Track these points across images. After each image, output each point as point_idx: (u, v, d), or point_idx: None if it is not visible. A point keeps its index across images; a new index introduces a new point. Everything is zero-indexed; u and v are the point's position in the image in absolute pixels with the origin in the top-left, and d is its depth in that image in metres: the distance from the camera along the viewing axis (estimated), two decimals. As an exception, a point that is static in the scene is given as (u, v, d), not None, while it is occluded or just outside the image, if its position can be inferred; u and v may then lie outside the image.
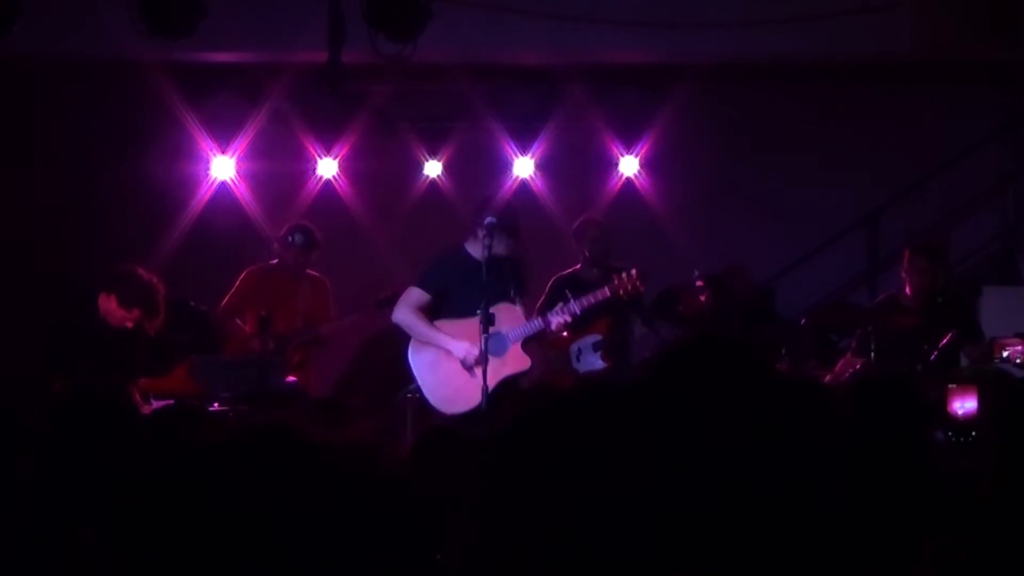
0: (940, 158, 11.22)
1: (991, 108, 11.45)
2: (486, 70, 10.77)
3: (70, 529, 2.85)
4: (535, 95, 11.07)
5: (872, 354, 8.72)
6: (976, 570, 2.53)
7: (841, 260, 11.40)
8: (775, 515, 2.04)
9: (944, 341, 8.62)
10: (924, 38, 9.23)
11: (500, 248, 8.04)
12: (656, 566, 1.69)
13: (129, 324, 8.28)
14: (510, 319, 8.04)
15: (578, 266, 9.51)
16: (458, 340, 8.13)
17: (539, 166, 11.17)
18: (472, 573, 1.65)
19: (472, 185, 10.99)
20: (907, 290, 9.05)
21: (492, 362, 7.91)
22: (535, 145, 11.13)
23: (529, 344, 8.10)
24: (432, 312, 8.34)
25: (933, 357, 8.56)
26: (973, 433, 6.71)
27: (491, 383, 7.93)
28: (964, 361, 8.97)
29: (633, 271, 8.14)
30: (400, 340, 8.52)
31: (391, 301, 8.90)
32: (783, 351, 9.24)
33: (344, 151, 11.11)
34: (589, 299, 8.04)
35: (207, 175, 11.09)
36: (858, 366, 8.73)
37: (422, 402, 8.55)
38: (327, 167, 11.17)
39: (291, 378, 8.91)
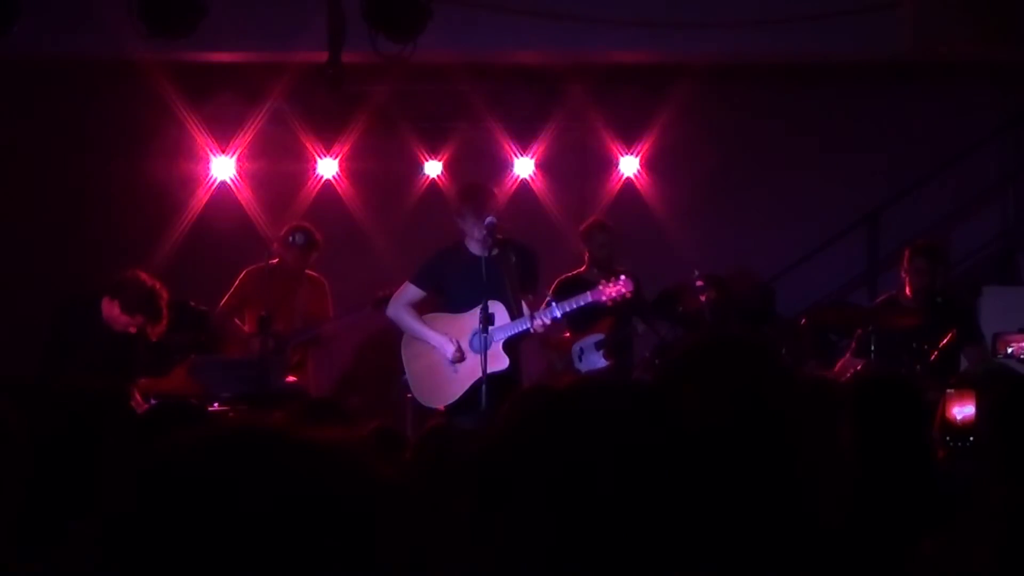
0: (940, 158, 11.22)
1: (991, 108, 11.45)
2: (486, 70, 10.77)
3: (62, 522, 2.85)
4: (535, 95, 11.08)
5: (872, 354, 8.72)
6: (974, 568, 2.53)
7: (841, 260, 11.40)
8: (775, 514, 2.04)
9: (944, 341, 8.62)
10: (924, 38, 9.22)
11: (475, 233, 8.03)
12: (657, 568, 1.69)
13: (132, 330, 8.28)
14: (498, 318, 8.01)
15: (583, 268, 9.50)
16: (441, 334, 8.15)
17: (539, 166, 11.18)
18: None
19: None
20: (907, 290, 9.05)
21: (475, 360, 7.93)
22: (535, 145, 11.14)
23: (512, 344, 8.03)
24: (433, 307, 8.36)
25: (933, 357, 8.56)
26: (971, 438, 6.70)
27: (470, 382, 7.97)
28: (964, 362, 8.97)
29: (622, 277, 8.08)
30: (398, 341, 8.52)
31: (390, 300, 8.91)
32: (783, 351, 9.24)
33: (344, 151, 11.12)
34: (572, 304, 7.98)
35: (207, 175, 11.10)
36: (859, 367, 8.72)
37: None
38: (327, 167, 11.18)
39: (291, 378, 8.92)
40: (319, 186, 11.20)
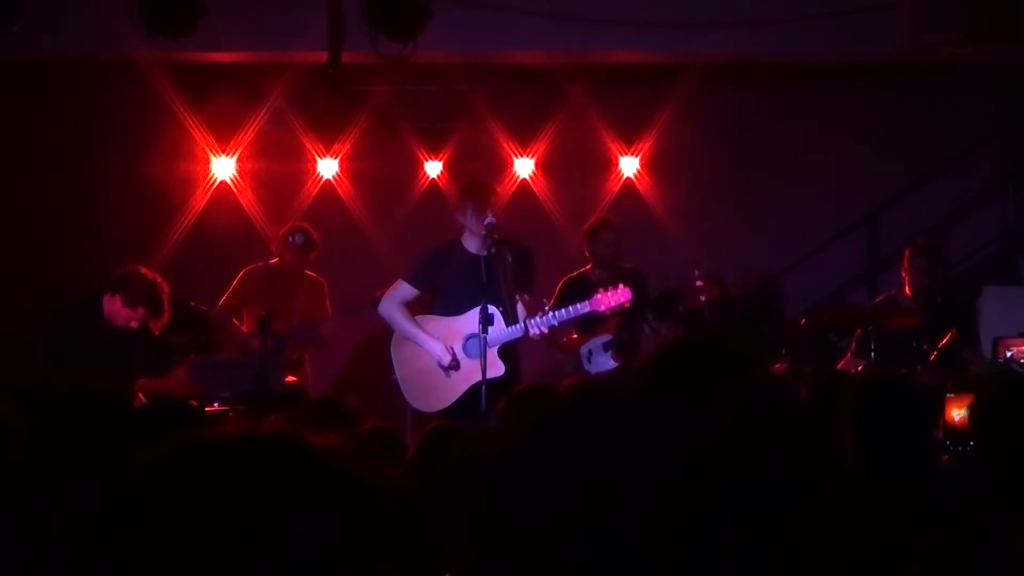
0: (940, 158, 11.22)
1: (991, 108, 11.45)
2: (486, 70, 10.77)
3: (62, 527, 2.85)
4: (535, 95, 11.08)
5: (872, 354, 8.71)
6: (970, 563, 2.53)
7: (841, 260, 11.40)
8: (773, 515, 2.04)
9: (944, 341, 8.62)
10: (924, 38, 9.22)
11: (474, 230, 7.98)
12: (657, 569, 1.68)
13: (134, 324, 8.27)
14: (493, 323, 7.93)
15: (588, 267, 9.46)
16: (436, 340, 8.06)
17: (539, 166, 11.18)
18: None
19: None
20: (907, 290, 9.05)
21: (469, 365, 7.89)
22: (535, 145, 11.14)
23: (508, 350, 7.99)
24: (426, 306, 8.30)
25: (933, 357, 8.56)
26: (971, 442, 6.70)
27: (464, 387, 7.92)
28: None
29: (620, 286, 8.01)
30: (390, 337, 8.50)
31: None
32: (783, 351, 9.24)
33: (344, 151, 11.12)
34: (569, 312, 7.92)
35: (207, 175, 11.10)
36: (859, 367, 8.72)
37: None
38: (327, 167, 11.18)
39: (290, 378, 8.92)
40: (319, 186, 11.21)
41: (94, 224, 11.00)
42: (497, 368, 7.78)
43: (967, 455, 6.68)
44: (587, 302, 7.92)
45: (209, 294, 9.37)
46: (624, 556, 1.60)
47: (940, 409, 7.22)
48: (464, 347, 7.99)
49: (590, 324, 8.86)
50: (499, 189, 8.78)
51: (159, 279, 8.36)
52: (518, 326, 7.79)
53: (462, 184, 8.69)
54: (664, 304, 9.37)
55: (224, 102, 10.83)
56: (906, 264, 9.06)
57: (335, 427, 4.47)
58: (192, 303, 9.14)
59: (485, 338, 7.68)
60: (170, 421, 4.26)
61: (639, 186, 11.29)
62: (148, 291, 8.25)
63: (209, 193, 11.12)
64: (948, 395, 7.30)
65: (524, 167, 11.13)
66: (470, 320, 7.83)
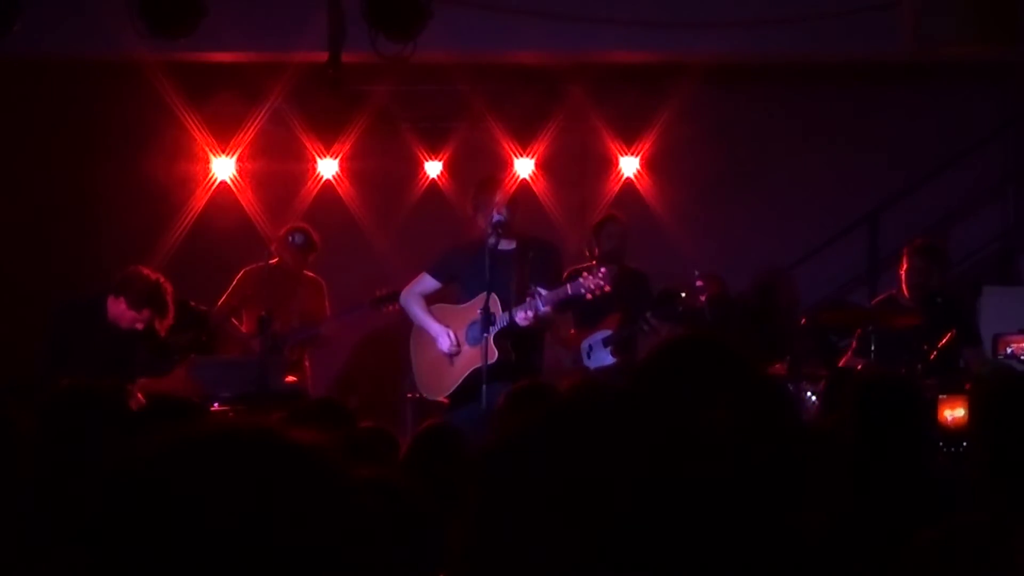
0: (940, 158, 11.21)
1: (991, 108, 11.44)
2: (486, 70, 10.77)
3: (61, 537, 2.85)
4: (535, 95, 11.07)
5: (872, 354, 8.71)
6: (966, 561, 2.53)
7: (841, 260, 11.40)
8: (773, 514, 2.04)
9: (944, 341, 8.61)
10: (924, 38, 9.22)
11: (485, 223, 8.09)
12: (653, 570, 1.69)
13: (139, 326, 8.28)
14: (493, 312, 8.03)
15: (592, 263, 9.46)
16: (440, 326, 8.22)
17: (539, 166, 11.18)
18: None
19: (472, 185, 10.99)
20: (905, 290, 9.05)
21: (469, 352, 8.00)
22: (535, 145, 11.14)
23: (506, 336, 8.03)
24: (443, 298, 8.44)
25: (933, 357, 8.56)
26: (964, 443, 6.71)
27: (464, 373, 8.03)
28: (962, 363, 8.96)
29: (602, 270, 8.03)
30: (398, 340, 8.54)
31: (389, 300, 8.93)
32: (783, 351, 9.24)
33: (344, 151, 11.12)
34: (554, 296, 7.96)
35: (207, 175, 11.10)
36: (859, 367, 8.72)
37: (421, 402, 8.61)
38: (327, 167, 11.18)
39: (290, 378, 8.92)
40: (319, 186, 11.21)
41: (94, 224, 11.01)
42: (491, 355, 7.88)
43: (960, 456, 6.69)
44: (568, 285, 7.94)
45: (209, 294, 9.38)
46: (620, 556, 1.60)
47: (933, 410, 7.23)
48: (466, 334, 8.09)
49: (589, 319, 8.89)
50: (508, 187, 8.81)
51: (162, 280, 8.37)
52: (504, 315, 7.88)
53: (478, 180, 8.78)
54: (664, 303, 9.36)
55: (224, 102, 10.83)
56: (904, 264, 9.06)
57: (333, 427, 4.48)
58: (192, 303, 9.15)
59: (486, 337, 7.79)
60: (172, 419, 4.25)
61: (639, 186, 11.29)
62: (152, 292, 8.26)
63: (209, 193, 11.13)
64: (941, 396, 7.30)
65: (524, 167, 11.12)
66: (473, 309, 7.93)
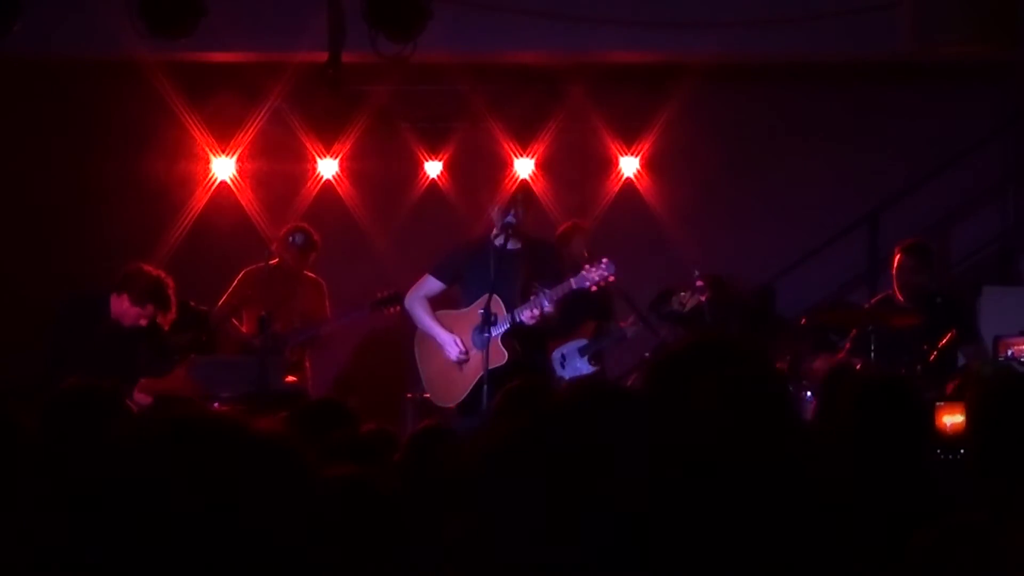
0: (940, 157, 11.21)
1: (991, 107, 11.44)
2: (486, 70, 10.77)
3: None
4: (535, 95, 11.07)
5: (872, 354, 8.71)
6: (964, 559, 2.53)
7: (842, 260, 11.39)
8: (773, 513, 2.04)
9: (944, 341, 8.62)
10: (924, 38, 9.22)
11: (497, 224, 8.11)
12: (654, 571, 1.69)
13: (143, 322, 8.27)
14: (497, 311, 8.01)
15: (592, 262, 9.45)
16: (447, 333, 8.18)
17: (539, 166, 11.17)
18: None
19: (472, 185, 11.00)
20: (898, 290, 9.05)
21: (478, 357, 7.97)
22: (535, 145, 11.14)
23: (513, 337, 8.03)
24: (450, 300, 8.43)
25: (932, 357, 8.56)
26: (962, 450, 6.70)
27: (474, 379, 8.01)
28: (961, 360, 8.96)
29: (604, 260, 8.03)
30: (398, 340, 8.53)
31: (390, 302, 8.93)
32: (783, 351, 9.24)
33: (344, 151, 11.12)
34: (558, 292, 7.96)
35: (207, 175, 11.10)
36: (857, 366, 8.72)
37: (421, 402, 8.60)
38: (327, 167, 11.18)
39: (290, 378, 8.92)
40: (319, 186, 11.21)
41: (94, 224, 11.00)
42: (499, 356, 7.86)
43: (958, 463, 6.67)
44: (572, 280, 7.94)
45: (209, 294, 9.38)
46: (614, 555, 1.60)
47: (931, 417, 7.22)
48: (473, 339, 8.07)
49: (565, 327, 8.80)
50: (500, 190, 8.83)
51: (164, 275, 8.38)
52: (507, 316, 7.88)
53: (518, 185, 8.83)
54: (663, 304, 9.36)
55: (224, 102, 10.83)
56: (896, 264, 9.07)
57: (335, 428, 4.48)
58: (192, 303, 9.15)
59: (487, 338, 7.78)
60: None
61: (639, 186, 11.29)
62: (155, 288, 8.27)
63: (209, 193, 11.13)
64: (939, 403, 7.29)
65: (524, 167, 11.12)
66: (476, 312, 7.92)
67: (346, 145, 11.06)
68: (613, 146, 11.23)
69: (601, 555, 1.57)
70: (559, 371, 9.01)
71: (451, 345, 8.12)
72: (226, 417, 1.45)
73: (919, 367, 8.46)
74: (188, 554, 1.33)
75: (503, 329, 7.92)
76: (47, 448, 3.35)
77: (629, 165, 11.25)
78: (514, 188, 8.55)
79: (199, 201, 11.10)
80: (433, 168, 11.25)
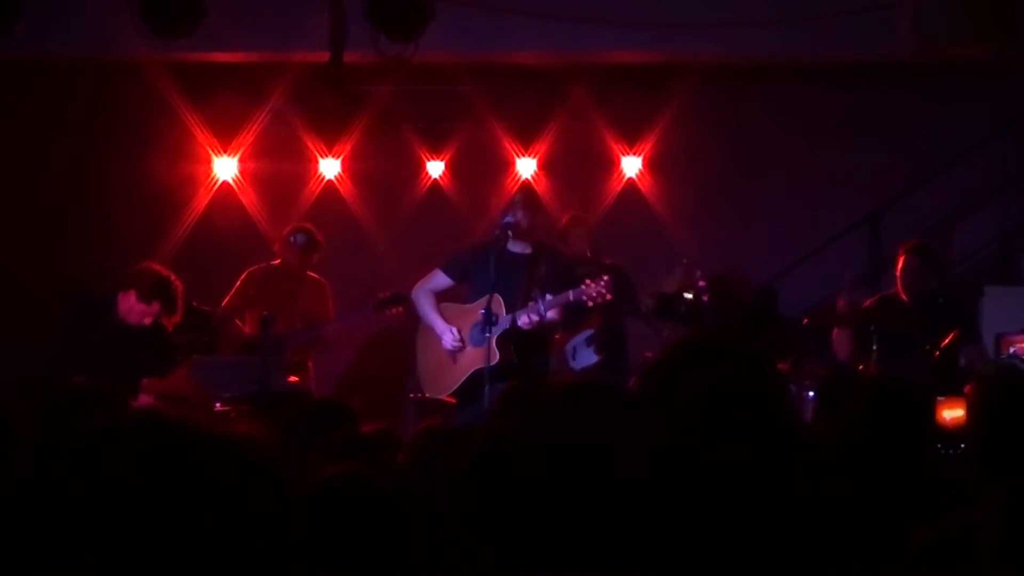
0: (941, 158, 11.21)
1: (991, 108, 11.43)
2: (488, 70, 10.78)
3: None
4: (537, 95, 11.08)
5: (874, 354, 8.71)
6: (962, 559, 2.54)
7: (843, 260, 11.37)
8: (773, 512, 2.04)
9: (946, 341, 8.62)
10: (924, 38, 9.22)
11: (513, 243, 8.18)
12: (650, 569, 1.69)
13: (148, 320, 8.26)
14: (497, 311, 8.06)
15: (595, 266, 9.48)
16: (445, 324, 8.26)
17: (541, 166, 11.18)
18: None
19: (474, 185, 11.01)
20: (902, 291, 9.06)
21: (472, 352, 8.03)
22: (537, 145, 11.14)
23: (509, 339, 8.07)
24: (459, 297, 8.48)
25: (935, 357, 8.56)
26: (962, 445, 6.71)
27: (466, 372, 8.07)
28: (962, 361, 8.96)
29: (604, 279, 8.06)
30: (400, 341, 8.55)
31: (392, 302, 8.94)
32: (785, 351, 9.24)
33: (346, 151, 11.13)
34: (554, 301, 7.99)
35: (209, 175, 11.11)
36: (859, 368, 8.73)
37: (424, 402, 8.63)
38: (329, 167, 11.19)
39: (292, 379, 8.92)
40: (321, 186, 11.21)
41: (97, 224, 11.01)
42: (492, 356, 7.91)
43: (958, 457, 6.69)
44: (571, 292, 7.97)
45: (212, 294, 9.38)
46: (607, 550, 1.60)
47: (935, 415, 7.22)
48: (470, 334, 8.12)
49: (572, 321, 8.88)
50: (502, 190, 8.87)
51: (172, 276, 8.39)
52: (506, 317, 7.92)
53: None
54: (665, 304, 9.37)
55: (226, 102, 10.83)
56: (900, 265, 9.07)
57: (336, 428, 4.48)
58: (195, 303, 9.15)
59: (488, 337, 7.83)
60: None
61: (641, 186, 11.30)
62: (162, 286, 8.26)
63: (211, 193, 11.13)
64: (939, 398, 7.30)
65: (526, 167, 11.13)
66: (478, 309, 7.98)
67: (348, 145, 11.07)
68: (615, 146, 11.23)
69: (590, 554, 1.58)
70: (570, 363, 9.10)
71: (447, 333, 8.21)
72: (195, 420, 1.45)
73: (922, 367, 8.45)
74: (153, 558, 1.33)
75: (499, 331, 7.96)
76: (42, 448, 3.36)
77: (631, 165, 11.25)
78: (516, 189, 8.60)
79: (201, 201, 11.11)
80: (435, 168, 11.25)
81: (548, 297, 7.90)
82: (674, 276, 9.10)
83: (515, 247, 8.15)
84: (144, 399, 8.01)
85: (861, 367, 8.71)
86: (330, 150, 11.13)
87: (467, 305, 8.26)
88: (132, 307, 8.25)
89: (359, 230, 11.12)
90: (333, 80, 9.12)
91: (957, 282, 10.60)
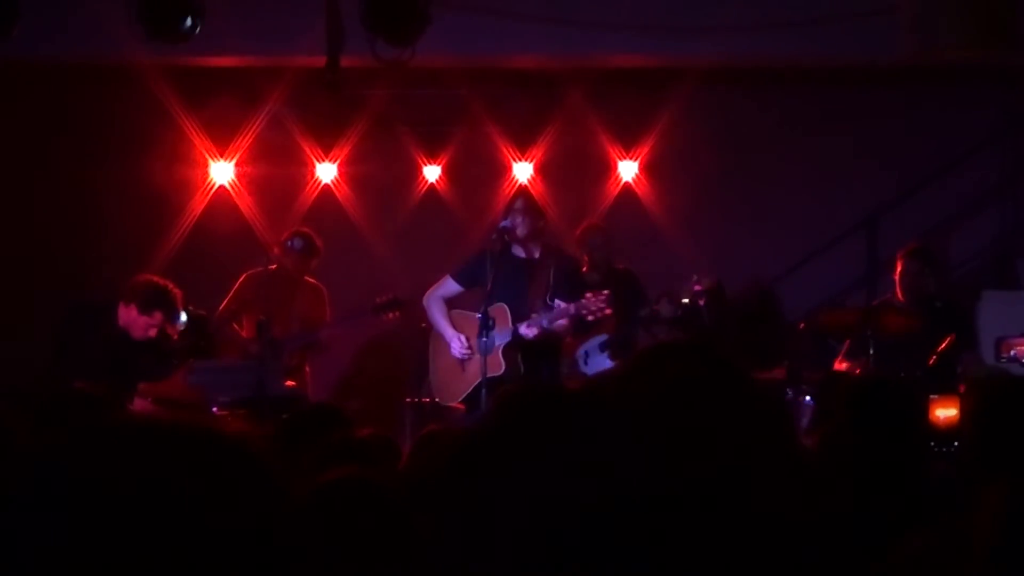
0: (940, 161, 11.22)
1: (990, 111, 11.44)
2: (485, 74, 10.78)
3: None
4: (534, 99, 11.08)
5: (871, 358, 8.71)
6: (960, 568, 2.53)
7: (841, 264, 11.39)
8: (762, 517, 2.04)
9: (943, 346, 8.62)
10: (924, 42, 9.22)
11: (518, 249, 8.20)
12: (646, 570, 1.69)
13: (153, 332, 8.26)
14: (502, 321, 8.07)
15: (583, 268, 9.49)
16: (454, 331, 8.27)
17: (538, 170, 11.18)
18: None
19: (471, 189, 11.02)
20: (900, 295, 9.06)
21: (480, 360, 8.01)
22: (534, 149, 11.14)
23: (511, 351, 8.08)
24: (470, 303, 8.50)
25: (931, 362, 8.56)
26: (955, 443, 6.72)
27: (474, 381, 8.10)
28: (959, 369, 8.96)
29: (604, 293, 8.07)
30: (397, 345, 8.55)
31: (389, 307, 8.94)
32: (782, 355, 9.24)
33: (343, 155, 11.13)
34: (556, 314, 8.01)
35: (206, 179, 11.10)
36: (857, 370, 8.72)
37: (421, 407, 8.65)
38: (326, 171, 11.18)
39: (289, 383, 8.92)
40: (318, 191, 11.21)
41: (93, 229, 11.00)
42: (498, 367, 7.92)
43: (951, 455, 6.71)
44: (573, 305, 7.98)
45: (208, 299, 9.37)
46: (594, 559, 1.60)
47: (926, 411, 7.23)
48: (478, 341, 8.13)
49: (584, 326, 8.90)
50: (498, 194, 8.87)
51: (171, 285, 8.38)
52: (508, 330, 7.94)
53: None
54: (662, 308, 9.36)
55: (223, 106, 10.83)
56: (899, 268, 9.07)
57: (330, 432, 4.47)
58: (191, 308, 9.15)
59: (484, 342, 7.84)
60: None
61: (638, 190, 11.30)
62: (161, 295, 8.27)
63: (208, 197, 11.13)
64: (932, 396, 7.32)
65: (523, 171, 11.13)
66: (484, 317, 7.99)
67: (345, 149, 11.07)
68: (612, 150, 11.23)
69: (574, 560, 1.57)
70: (582, 367, 9.09)
71: (455, 341, 8.23)
72: (190, 422, 1.44)
73: (918, 372, 8.46)
74: (145, 560, 1.32)
75: (505, 340, 7.97)
76: (40, 453, 3.35)
77: (628, 169, 11.25)
78: (514, 194, 8.62)
79: (198, 206, 11.10)
80: (432, 172, 11.25)
81: (559, 303, 7.92)
82: (689, 285, 9.08)
83: (520, 252, 8.16)
84: (140, 403, 8.00)
85: (858, 372, 8.71)
86: (327, 154, 11.13)
87: (474, 313, 8.24)
88: (134, 321, 8.25)
89: (356, 234, 11.12)
90: (330, 84, 9.10)
91: (954, 286, 10.61)
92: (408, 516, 2.80)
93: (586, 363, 9.13)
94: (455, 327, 8.33)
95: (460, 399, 8.22)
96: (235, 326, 9.33)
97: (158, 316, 8.24)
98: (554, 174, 11.20)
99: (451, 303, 8.52)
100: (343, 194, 11.23)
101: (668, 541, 1.65)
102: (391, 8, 8.77)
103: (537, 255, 8.20)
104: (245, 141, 10.94)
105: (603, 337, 9.09)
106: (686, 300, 9.09)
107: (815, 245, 11.22)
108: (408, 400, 9.28)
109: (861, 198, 11.27)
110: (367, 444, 4.32)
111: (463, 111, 11.00)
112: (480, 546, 1.58)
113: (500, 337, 8.01)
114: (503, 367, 7.95)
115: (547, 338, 8.07)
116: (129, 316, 8.26)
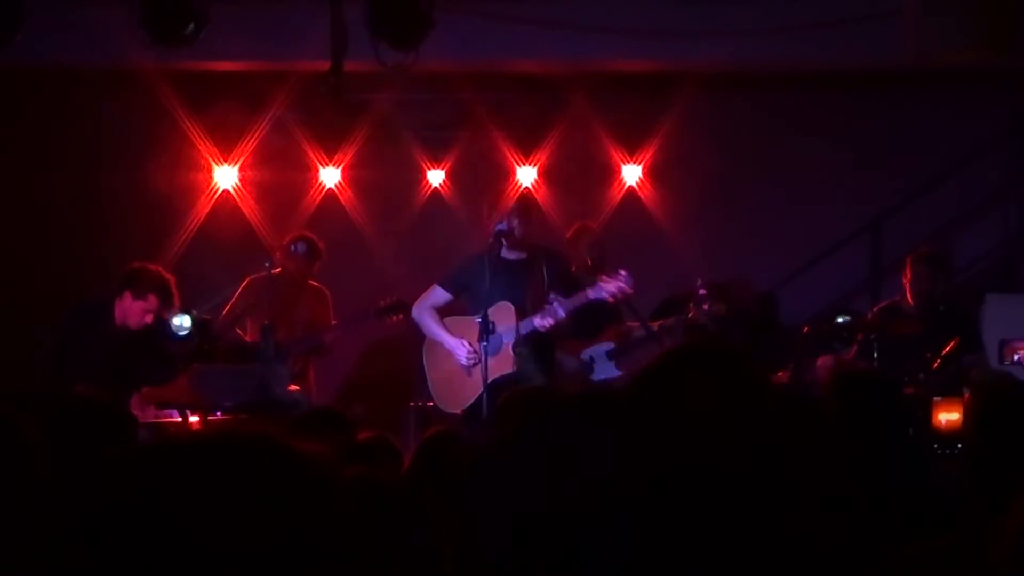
0: (943, 165, 11.22)
1: (993, 115, 11.44)
2: (489, 78, 10.78)
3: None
4: (538, 103, 11.08)
5: (875, 362, 8.71)
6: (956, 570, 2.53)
7: (844, 268, 11.39)
8: (759, 519, 2.04)
9: (947, 349, 8.62)
10: (927, 46, 9.22)
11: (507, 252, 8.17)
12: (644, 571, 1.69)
13: (149, 318, 8.24)
14: (506, 319, 8.06)
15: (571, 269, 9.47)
16: (455, 338, 8.23)
17: (542, 174, 11.18)
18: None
19: (475, 194, 11.01)
20: (908, 298, 9.05)
21: (489, 363, 7.97)
22: (538, 153, 11.14)
23: (519, 348, 8.07)
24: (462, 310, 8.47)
25: (936, 365, 8.56)
26: (959, 445, 6.72)
27: (482, 385, 8.02)
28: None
29: (623, 272, 8.06)
30: (401, 349, 8.54)
31: (393, 310, 8.93)
32: (786, 359, 9.23)
33: (347, 160, 11.13)
34: (574, 302, 7.99)
35: (210, 184, 11.11)
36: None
37: (425, 411, 8.62)
38: (330, 176, 11.19)
39: (293, 387, 8.92)
40: (322, 195, 11.21)
41: (97, 233, 11.00)
42: (507, 364, 7.90)
43: (954, 458, 6.70)
44: (589, 290, 7.97)
45: (212, 303, 9.37)
46: (604, 556, 1.60)
47: (928, 413, 7.24)
48: (482, 345, 8.11)
49: (590, 330, 8.88)
50: (503, 199, 8.87)
51: (164, 271, 8.39)
52: (524, 322, 7.91)
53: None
54: (666, 313, 9.36)
55: (226, 111, 10.84)
56: (907, 272, 9.07)
57: (333, 436, 4.48)
58: (194, 311, 9.14)
59: (485, 345, 7.84)
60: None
61: (641, 194, 11.30)
62: (155, 279, 8.27)
63: (212, 202, 11.13)
64: (936, 399, 7.31)
65: (527, 175, 11.13)
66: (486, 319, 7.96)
67: (348, 154, 11.08)
68: (615, 154, 11.23)
69: (583, 557, 1.58)
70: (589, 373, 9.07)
71: (460, 348, 8.20)
72: (257, 432, 1.45)
73: (922, 375, 8.45)
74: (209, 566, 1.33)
75: (513, 337, 7.97)
76: (54, 459, 3.34)
77: (631, 173, 11.25)
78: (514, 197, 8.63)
79: (202, 210, 11.11)
80: (435, 177, 11.26)
81: (563, 299, 7.90)
82: (698, 302, 9.06)
83: (509, 254, 8.15)
84: (143, 408, 8.00)
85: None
86: (331, 159, 11.14)
87: (472, 317, 8.22)
88: (128, 307, 8.25)
89: (360, 238, 11.12)
90: (334, 88, 9.11)
91: (958, 290, 10.60)
92: (414, 517, 2.80)
93: (592, 369, 9.11)
94: (452, 334, 8.29)
95: (469, 404, 8.17)
96: (238, 330, 9.34)
97: (153, 300, 8.23)
98: (558, 178, 11.20)
99: (441, 312, 8.48)
100: (347, 198, 11.24)
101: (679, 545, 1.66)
102: (395, 12, 8.77)
103: (526, 256, 8.19)
104: (249, 145, 10.95)
105: (609, 346, 9.06)
106: (691, 305, 9.08)
107: (819, 249, 11.22)
108: (412, 404, 9.27)
109: (865, 202, 11.27)
110: (368, 447, 4.33)
111: (467, 115, 11.01)
112: (490, 547, 1.59)
113: (507, 335, 8.00)
114: (512, 365, 7.95)
115: (554, 331, 8.06)
116: (124, 305, 8.25)
